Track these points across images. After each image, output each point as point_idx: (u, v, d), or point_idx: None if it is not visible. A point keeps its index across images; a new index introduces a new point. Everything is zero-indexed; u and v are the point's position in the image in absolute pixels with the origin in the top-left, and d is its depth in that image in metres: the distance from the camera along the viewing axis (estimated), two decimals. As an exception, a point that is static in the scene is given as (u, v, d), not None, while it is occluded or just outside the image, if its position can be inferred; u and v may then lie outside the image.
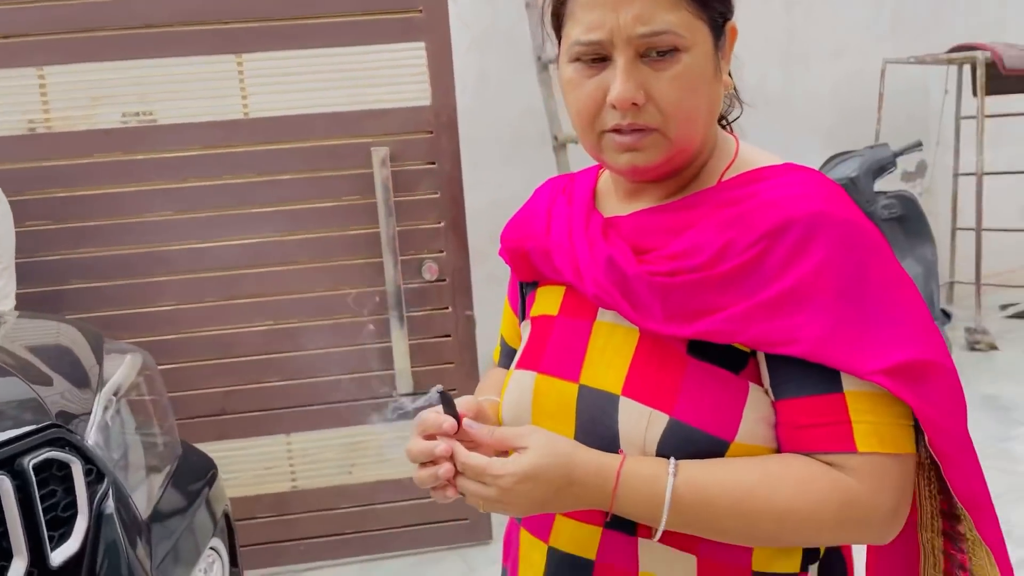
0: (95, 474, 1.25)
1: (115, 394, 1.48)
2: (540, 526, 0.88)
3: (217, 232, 2.71)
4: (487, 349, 3.14)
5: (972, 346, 4.37)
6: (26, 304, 2.46)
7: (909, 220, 3.92)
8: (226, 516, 1.67)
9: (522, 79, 3.69)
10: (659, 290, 0.80)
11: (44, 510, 1.14)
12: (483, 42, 3.83)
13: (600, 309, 0.87)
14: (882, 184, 4.10)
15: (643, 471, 0.77)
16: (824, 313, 0.76)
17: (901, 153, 3.81)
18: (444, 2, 2.68)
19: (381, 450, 2.93)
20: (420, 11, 2.66)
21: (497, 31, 3.84)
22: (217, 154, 2.68)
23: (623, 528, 0.83)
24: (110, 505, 1.24)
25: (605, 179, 0.95)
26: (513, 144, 3.88)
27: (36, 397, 1.22)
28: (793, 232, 0.77)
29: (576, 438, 0.82)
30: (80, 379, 1.39)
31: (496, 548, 2.97)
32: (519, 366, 0.93)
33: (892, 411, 0.77)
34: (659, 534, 0.78)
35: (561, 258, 0.89)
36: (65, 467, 1.19)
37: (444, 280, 2.81)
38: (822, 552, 0.88)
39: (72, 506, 1.19)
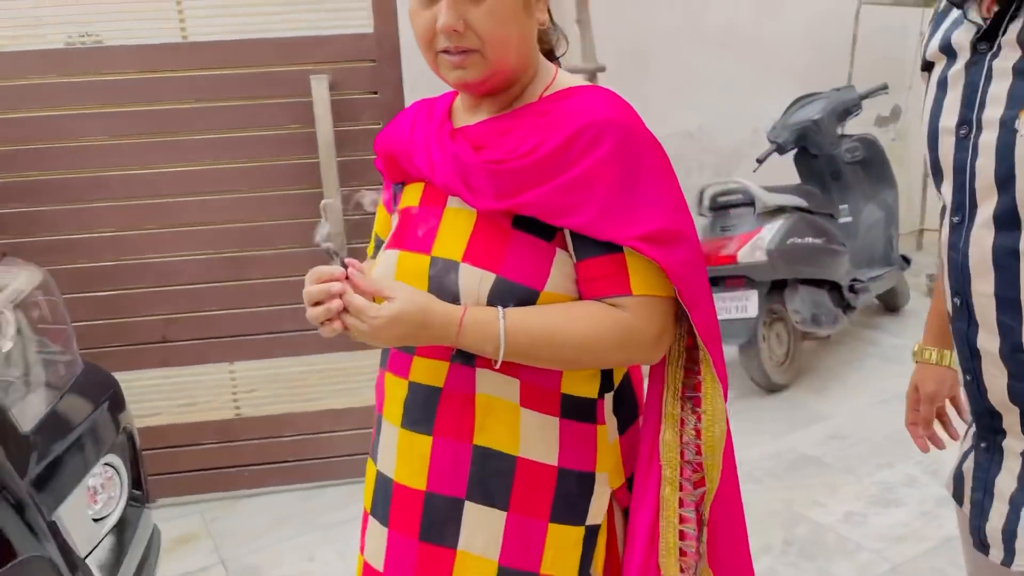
0: (-34, 385, 1.26)
1: (11, 302, 1.49)
2: (401, 366, 1.11)
3: (156, 158, 2.69)
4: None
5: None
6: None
7: (872, 164, 3.88)
8: (129, 436, 1.69)
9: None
10: (490, 175, 1.03)
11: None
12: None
13: (449, 197, 1.09)
14: (853, 127, 4.05)
15: (480, 316, 1.02)
16: (600, 196, 1.01)
17: (867, 96, 3.75)
18: (386, -77, 2.61)
19: (323, 380, 2.95)
20: (361, -67, 2.60)
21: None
22: (154, 78, 2.64)
23: (465, 361, 1.06)
24: (-20, 416, 1.26)
25: (458, 100, 1.16)
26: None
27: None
28: (586, 133, 1.01)
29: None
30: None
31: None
32: (386, 247, 1.15)
33: (657, 267, 1.02)
34: (499, 363, 1.03)
35: (420, 158, 1.11)
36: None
37: (386, 212, 2.80)
38: (616, 384, 1.14)
39: (-62, 414, 1.21)
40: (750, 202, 3.40)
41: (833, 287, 3.65)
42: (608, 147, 1.00)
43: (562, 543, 1.09)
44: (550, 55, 1.16)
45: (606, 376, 1.12)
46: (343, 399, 2.96)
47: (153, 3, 2.60)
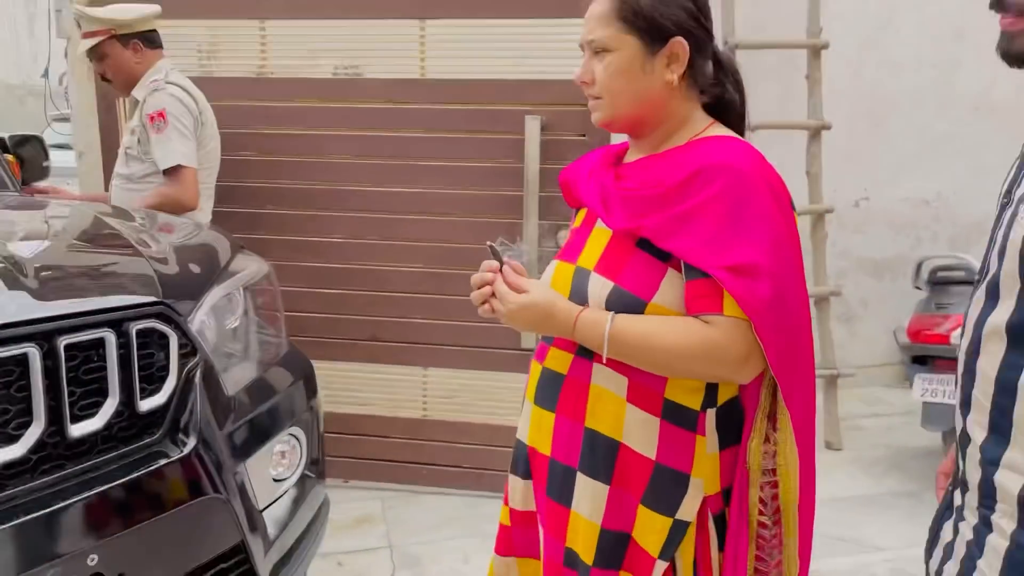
0: (191, 348, 1.57)
1: (243, 286, 1.82)
2: (540, 354, 1.37)
3: (388, 178, 3.04)
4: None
5: None
6: (225, 222, 2.92)
7: None
8: (316, 415, 1.96)
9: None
10: (622, 200, 1.26)
11: (141, 368, 1.47)
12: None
13: (597, 220, 1.32)
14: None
15: (592, 317, 1.23)
16: (703, 227, 1.17)
17: None
18: (614, -19, 2.77)
19: (504, 396, 3.14)
20: (589, -12, 2.78)
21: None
22: (396, 108, 3.00)
23: (585, 355, 1.28)
24: (197, 375, 1.55)
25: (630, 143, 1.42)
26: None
27: (153, 276, 1.55)
28: (703, 175, 1.18)
29: (569, 297, 1.28)
30: (206, 271, 1.73)
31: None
32: (554, 259, 1.42)
33: None
34: (604, 359, 1.23)
35: (581, 186, 1.38)
36: (165, 337, 1.51)
37: (580, 248, 2.95)
38: (720, 403, 1.27)
39: (166, 369, 1.51)
40: (972, 280, 3.15)
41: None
42: (718, 188, 1.17)
43: (649, 525, 1.27)
44: (718, 106, 1.33)
45: (710, 393, 1.26)
46: (519, 417, 3.13)
47: (401, 44, 2.95)
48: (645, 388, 1.25)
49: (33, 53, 12.64)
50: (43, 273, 1.48)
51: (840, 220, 4.14)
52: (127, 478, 1.39)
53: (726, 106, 1.33)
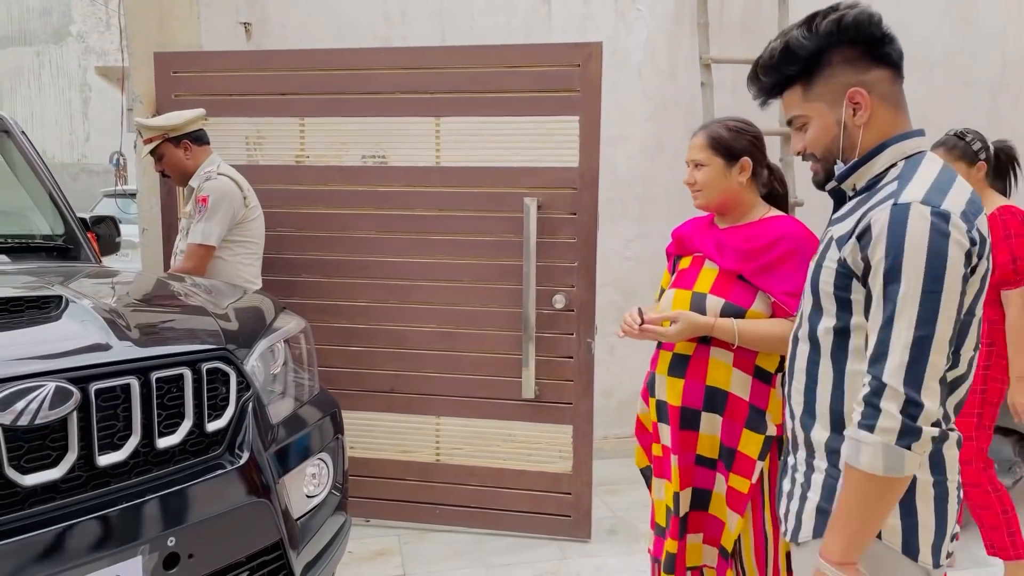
0: (245, 384, 2.00)
1: (284, 339, 2.27)
2: (669, 345, 2.12)
3: (406, 250, 3.51)
4: (601, 372, 3.70)
5: None
6: (268, 288, 3.40)
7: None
8: (340, 445, 2.38)
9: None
10: (731, 251, 2.08)
11: (209, 399, 1.91)
12: (663, 114, 4.34)
13: (706, 261, 2.14)
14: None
15: (724, 324, 2.01)
16: (776, 271, 2.01)
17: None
18: (598, 85, 3.27)
19: (508, 442, 3.53)
20: (578, 91, 3.29)
21: (677, 105, 4.34)
22: (414, 191, 3.49)
23: (704, 342, 2.07)
24: (250, 405, 1.99)
25: (716, 217, 2.23)
26: (680, 204, 4.33)
27: (219, 330, 2.00)
28: (781, 241, 2.03)
29: (689, 310, 2.06)
30: (256, 326, 2.19)
31: (590, 547, 3.45)
32: (669, 288, 2.21)
33: None
34: (735, 345, 2.01)
35: (698, 241, 2.19)
36: (227, 375, 1.95)
37: (572, 311, 3.39)
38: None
39: (227, 400, 1.95)
40: None
41: (1022, 437, 3.60)
42: (787, 247, 2.01)
43: (750, 439, 2.03)
44: (770, 196, 2.20)
45: (780, 363, 2.04)
46: (522, 461, 3.52)
47: (420, 137, 3.45)
48: (743, 359, 2.04)
49: (86, 133, 13.59)
50: (139, 325, 1.94)
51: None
52: (197, 481, 1.82)
53: (776, 197, 2.22)
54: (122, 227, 3.45)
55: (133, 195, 7.16)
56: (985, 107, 4.60)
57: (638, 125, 4.34)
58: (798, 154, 1.54)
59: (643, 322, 2.07)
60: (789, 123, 1.54)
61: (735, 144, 2.11)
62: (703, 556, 2.15)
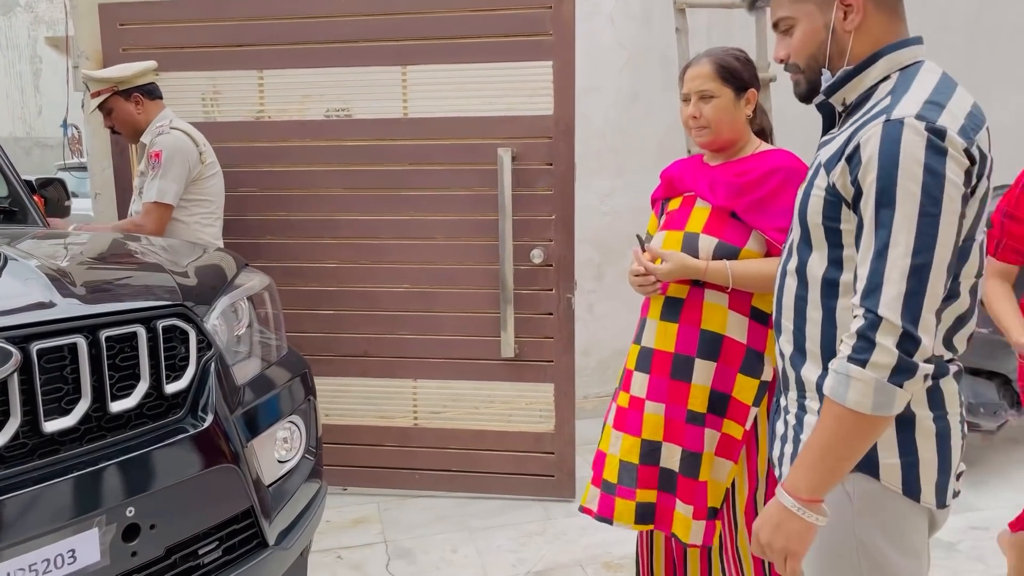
0: (207, 344, 1.86)
1: (247, 296, 2.12)
2: (663, 287, 2.00)
3: (376, 208, 3.36)
4: (580, 330, 3.58)
5: None
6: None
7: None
8: (312, 407, 2.25)
9: (670, 98, 4.02)
10: (723, 186, 1.96)
11: (167, 358, 1.76)
12: (638, 63, 4.21)
13: (697, 199, 2.02)
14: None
15: (716, 266, 1.90)
16: (768, 208, 1.90)
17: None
18: (571, 27, 3.13)
19: (488, 403, 3.43)
20: (550, 34, 3.14)
21: (652, 53, 4.20)
22: (381, 145, 3.33)
23: (698, 284, 1.96)
24: (212, 365, 1.85)
25: (705, 155, 2.10)
26: (657, 156, 4.22)
27: (176, 286, 1.85)
28: (773, 173, 1.92)
29: (681, 251, 1.95)
30: (216, 283, 2.04)
31: (575, 506, 3.37)
32: (661, 229, 2.08)
33: None
34: (729, 288, 1.91)
35: (689, 180, 2.06)
36: (185, 333, 1.81)
37: (550, 265, 3.27)
38: None
39: (187, 360, 1.81)
40: None
41: (1006, 380, 3.56)
42: (779, 180, 1.90)
43: (744, 385, 1.94)
44: (760, 133, 2.09)
45: None
46: (503, 423, 3.42)
47: (386, 88, 3.29)
48: (739, 301, 1.94)
49: (38, 107, 13.13)
50: (87, 283, 1.78)
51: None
52: (156, 447, 1.68)
53: (763, 131, 2.11)
54: (77, 200, 3.26)
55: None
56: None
57: (612, 75, 4.20)
58: (781, 62, 1.41)
59: (644, 252, 1.98)
60: (775, 26, 1.41)
61: (745, 73, 1.97)
62: (691, 534, 1.99)
